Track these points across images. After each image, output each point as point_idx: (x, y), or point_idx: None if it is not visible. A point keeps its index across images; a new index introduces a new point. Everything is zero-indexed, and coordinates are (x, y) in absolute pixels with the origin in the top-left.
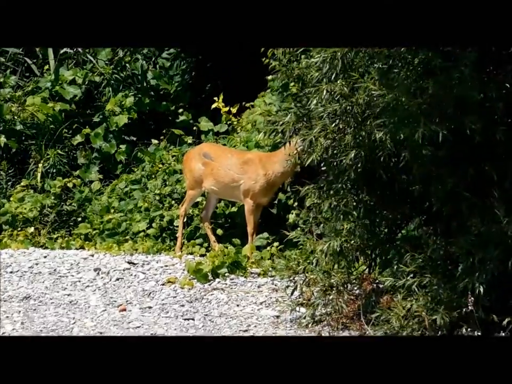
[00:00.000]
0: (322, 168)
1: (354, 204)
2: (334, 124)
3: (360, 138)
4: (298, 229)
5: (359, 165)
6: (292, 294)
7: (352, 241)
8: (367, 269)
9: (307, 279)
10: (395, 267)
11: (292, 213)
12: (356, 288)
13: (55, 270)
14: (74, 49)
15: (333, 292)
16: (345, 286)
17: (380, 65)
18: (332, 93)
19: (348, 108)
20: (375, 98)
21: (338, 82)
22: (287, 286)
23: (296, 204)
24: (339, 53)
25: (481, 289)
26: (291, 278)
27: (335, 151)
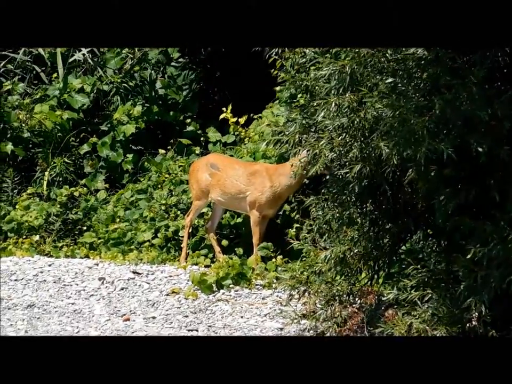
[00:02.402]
0: (327, 178)
1: (359, 215)
2: (340, 137)
3: (367, 152)
4: (303, 239)
5: (364, 179)
6: (289, 300)
7: (356, 250)
8: (369, 281)
9: (310, 289)
10: (398, 280)
11: (298, 225)
12: (358, 300)
13: (59, 278)
14: (83, 57)
15: (336, 302)
16: (348, 297)
17: (388, 81)
18: (340, 106)
19: (356, 121)
20: (382, 114)
21: (346, 96)
22: (290, 295)
23: (299, 215)
24: (347, 67)
25: (483, 308)
26: (294, 287)
27: (340, 164)
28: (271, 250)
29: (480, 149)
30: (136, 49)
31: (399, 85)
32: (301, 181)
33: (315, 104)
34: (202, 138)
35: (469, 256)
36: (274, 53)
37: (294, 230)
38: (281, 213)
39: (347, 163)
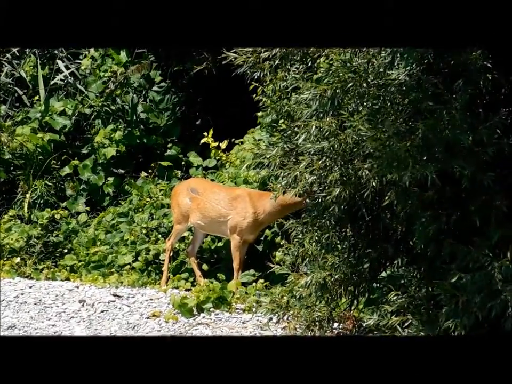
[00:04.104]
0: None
1: (338, 240)
2: (320, 161)
3: (347, 176)
4: (284, 264)
5: (343, 202)
6: (268, 321)
7: (336, 275)
8: (350, 307)
9: (290, 314)
10: (378, 306)
11: (279, 251)
12: (338, 325)
13: (40, 300)
14: (65, 80)
15: (316, 327)
16: (328, 322)
17: (369, 105)
18: (321, 129)
19: (336, 145)
20: (363, 138)
21: (327, 119)
22: (270, 319)
23: (283, 241)
24: (328, 91)
25: (463, 333)
26: (274, 311)
27: (320, 187)
28: (253, 274)
29: (464, 173)
30: (118, 73)
31: (382, 109)
32: (285, 211)
33: (296, 128)
34: (183, 163)
35: (450, 281)
36: (255, 78)
37: (280, 253)
38: (262, 238)
39: (327, 186)
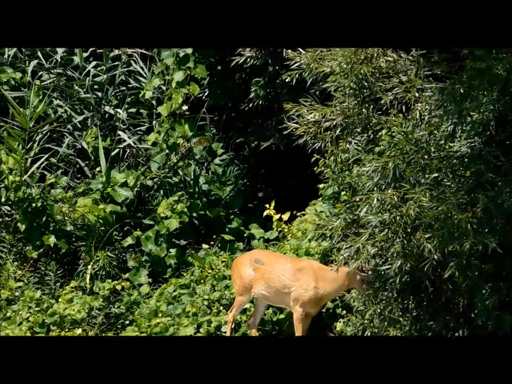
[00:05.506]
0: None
1: (400, 312)
2: (382, 233)
3: (409, 248)
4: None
5: (405, 274)
6: None
7: None
8: None
9: None
10: None
11: (340, 321)
12: None
13: None
14: (128, 153)
15: None
16: None
17: (431, 177)
18: (382, 202)
19: (397, 217)
20: (425, 210)
21: (389, 192)
22: None
23: (344, 312)
24: (390, 163)
25: None
26: None
27: (382, 259)
28: None
29: None
30: (180, 145)
31: (444, 179)
32: (345, 287)
33: (358, 199)
34: (245, 234)
35: None
36: (316, 150)
37: (342, 323)
38: (324, 310)
39: (389, 258)
